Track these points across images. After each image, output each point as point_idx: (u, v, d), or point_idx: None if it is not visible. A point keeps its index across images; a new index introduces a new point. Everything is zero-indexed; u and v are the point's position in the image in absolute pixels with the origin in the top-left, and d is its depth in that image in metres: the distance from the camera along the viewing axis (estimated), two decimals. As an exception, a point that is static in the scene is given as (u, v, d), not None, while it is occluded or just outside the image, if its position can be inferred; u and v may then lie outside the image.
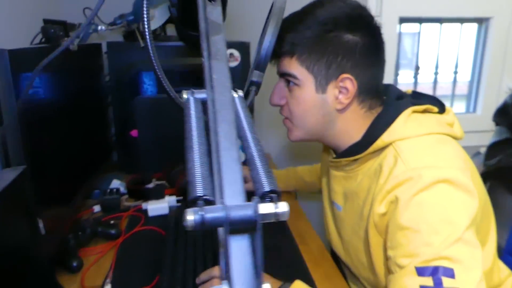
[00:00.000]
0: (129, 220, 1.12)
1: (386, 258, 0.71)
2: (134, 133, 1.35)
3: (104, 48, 1.37)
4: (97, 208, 1.19)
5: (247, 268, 0.17)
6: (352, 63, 0.76)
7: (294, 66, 0.78)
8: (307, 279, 0.85)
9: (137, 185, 1.28)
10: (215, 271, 0.78)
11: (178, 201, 1.19)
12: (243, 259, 0.18)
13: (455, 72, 2.05)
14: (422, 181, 0.65)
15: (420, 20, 1.94)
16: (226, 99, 0.22)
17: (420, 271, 0.61)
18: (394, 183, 0.69)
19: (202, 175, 0.21)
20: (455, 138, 0.78)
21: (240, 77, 1.46)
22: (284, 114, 0.87)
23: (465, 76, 2.08)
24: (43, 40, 0.86)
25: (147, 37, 0.41)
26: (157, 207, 1.14)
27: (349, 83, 0.76)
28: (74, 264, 0.90)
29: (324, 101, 0.79)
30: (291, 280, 0.75)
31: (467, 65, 2.06)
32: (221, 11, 0.28)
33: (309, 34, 0.76)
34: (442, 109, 0.82)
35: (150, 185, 1.29)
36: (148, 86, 1.38)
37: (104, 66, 1.41)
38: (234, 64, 1.42)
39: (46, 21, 0.86)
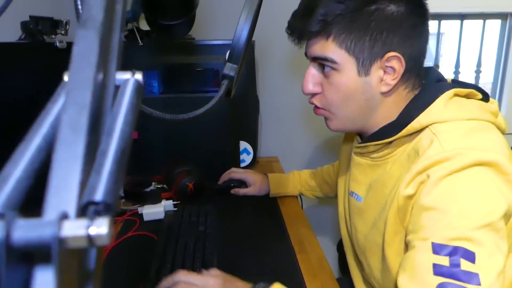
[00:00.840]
0: (124, 224, 1.09)
1: (405, 246, 0.64)
2: (134, 134, 1.32)
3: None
4: (92, 211, 1.16)
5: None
6: (398, 38, 0.66)
7: (331, 48, 0.69)
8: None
9: (136, 187, 1.25)
10: (180, 276, 0.71)
11: (175, 205, 1.15)
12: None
13: (477, 72, 1.94)
14: (460, 161, 0.58)
15: (439, 17, 1.84)
16: (84, 77, 0.17)
17: (437, 249, 0.54)
18: (427, 163, 0.61)
19: (15, 178, 0.16)
20: (499, 128, 0.70)
21: (245, 77, 1.41)
22: (319, 104, 0.77)
23: (488, 76, 1.97)
24: (23, 36, 0.83)
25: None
26: (152, 211, 1.10)
27: (396, 62, 0.67)
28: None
29: (367, 85, 0.70)
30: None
31: (490, 64, 1.95)
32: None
33: (346, 8, 0.66)
34: (486, 98, 0.73)
35: (149, 188, 1.25)
36: (149, 85, 1.35)
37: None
38: (238, 63, 1.37)
39: (31, 18, 0.83)
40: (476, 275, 0.51)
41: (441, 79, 0.76)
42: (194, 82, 1.39)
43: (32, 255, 0.12)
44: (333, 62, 0.69)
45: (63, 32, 0.90)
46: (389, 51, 0.67)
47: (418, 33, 0.69)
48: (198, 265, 0.84)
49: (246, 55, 0.55)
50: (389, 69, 0.68)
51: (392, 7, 0.66)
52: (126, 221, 1.10)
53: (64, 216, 0.13)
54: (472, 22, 1.86)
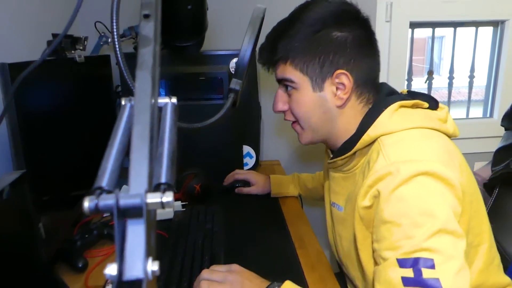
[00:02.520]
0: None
1: (373, 251, 0.72)
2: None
3: (113, 59, 1.44)
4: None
5: (140, 249, 0.20)
6: (344, 58, 0.78)
7: (289, 71, 0.81)
8: (301, 281, 0.87)
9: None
10: (203, 274, 0.79)
11: (183, 206, 1.23)
12: (136, 240, 0.20)
13: (471, 77, 2.02)
14: (400, 176, 0.66)
15: (432, 25, 1.92)
16: (144, 104, 0.25)
17: (402, 263, 0.62)
18: (375, 177, 0.69)
19: (109, 169, 0.24)
20: (446, 134, 0.78)
21: (248, 84, 1.50)
22: (289, 119, 0.89)
23: (481, 81, 2.05)
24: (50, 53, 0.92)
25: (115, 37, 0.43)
26: (162, 211, 1.18)
27: (344, 78, 0.78)
28: (80, 264, 0.95)
29: (323, 99, 0.81)
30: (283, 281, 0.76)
31: (483, 70, 2.03)
32: (157, 26, 0.31)
33: (299, 37, 0.78)
34: (435, 105, 0.82)
35: (158, 190, 1.33)
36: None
37: (115, 76, 1.47)
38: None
39: (54, 35, 0.92)
40: (437, 280, 0.58)
41: (392, 92, 0.85)
42: (200, 90, 1.48)
43: (126, 215, 0.21)
44: (292, 82, 0.81)
45: (81, 47, 0.99)
46: (337, 69, 0.78)
47: (364, 54, 0.80)
48: (206, 260, 0.92)
49: (249, 70, 0.64)
50: (340, 85, 0.79)
51: (337, 33, 0.78)
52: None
53: (147, 191, 0.22)
54: (465, 30, 1.94)
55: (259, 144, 1.62)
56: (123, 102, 0.29)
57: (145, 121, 0.24)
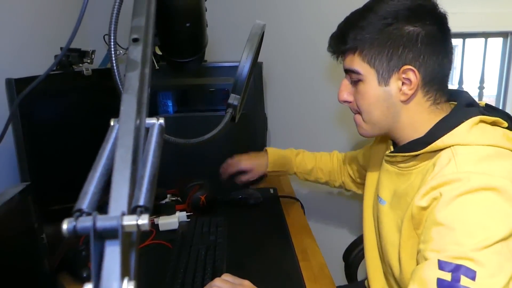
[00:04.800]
0: (141, 234, 1.18)
1: (417, 253, 0.71)
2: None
3: (123, 72, 1.46)
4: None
5: (115, 269, 0.21)
6: (413, 54, 0.76)
7: (356, 62, 0.80)
8: (302, 295, 0.87)
9: (152, 200, 1.34)
10: (217, 282, 0.81)
11: (188, 216, 1.24)
12: (112, 261, 0.21)
13: (480, 88, 2.00)
14: (469, 184, 0.65)
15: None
16: (128, 127, 0.26)
17: (442, 265, 0.61)
18: (442, 181, 0.68)
19: (91, 192, 0.25)
20: None
21: (254, 96, 1.51)
22: (353, 110, 0.88)
23: (491, 91, 2.03)
24: (57, 67, 0.95)
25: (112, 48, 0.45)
26: (167, 222, 1.19)
27: (411, 74, 0.76)
28: (84, 274, 0.96)
29: (387, 94, 0.79)
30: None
31: (493, 80, 2.01)
32: (146, 49, 0.32)
33: (370, 29, 0.77)
34: None
35: (164, 201, 1.34)
36: (164, 105, 1.45)
37: (123, 87, 1.50)
38: (247, 83, 1.47)
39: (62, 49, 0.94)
40: None
41: (471, 103, 0.82)
42: (206, 102, 1.49)
43: (103, 236, 0.22)
44: (358, 73, 0.80)
45: (89, 61, 1.01)
46: (405, 65, 0.76)
47: (435, 51, 0.77)
48: (208, 271, 0.93)
49: (248, 85, 0.65)
50: (406, 81, 0.77)
51: (409, 27, 0.76)
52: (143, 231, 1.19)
53: (123, 214, 0.23)
54: (475, 40, 1.94)
55: (265, 155, 1.62)
56: (112, 123, 0.30)
57: (128, 145, 0.25)
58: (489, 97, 2.06)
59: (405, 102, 0.79)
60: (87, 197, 0.25)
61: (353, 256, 1.38)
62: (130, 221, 0.23)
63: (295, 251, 1.05)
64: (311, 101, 1.78)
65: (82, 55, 0.99)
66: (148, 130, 0.30)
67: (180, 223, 1.20)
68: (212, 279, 0.87)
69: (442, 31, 0.79)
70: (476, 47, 1.99)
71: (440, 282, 0.60)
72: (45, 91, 0.76)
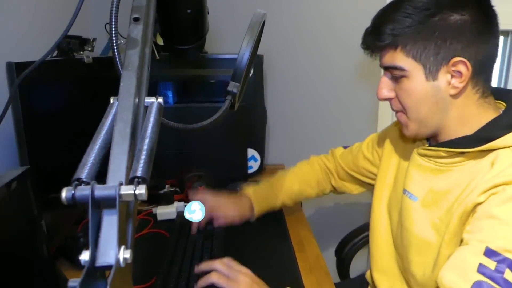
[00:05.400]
0: (139, 223, 1.18)
1: (460, 241, 0.69)
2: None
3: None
4: (111, 211, 1.26)
5: (112, 238, 0.22)
6: (463, 44, 0.71)
7: (399, 58, 0.75)
8: (298, 284, 0.87)
9: (151, 189, 1.35)
10: (217, 264, 0.81)
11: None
12: (109, 229, 0.22)
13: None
14: None
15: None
16: (127, 103, 0.27)
17: (489, 253, 0.60)
18: (508, 179, 0.66)
19: (90, 163, 0.26)
20: None
21: (254, 89, 1.51)
22: (395, 108, 0.83)
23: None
24: (58, 53, 0.95)
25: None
26: (165, 211, 1.20)
27: (462, 66, 0.71)
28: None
29: (436, 88, 0.75)
30: (281, 284, 0.77)
31: (494, 78, 2.02)
32: (147, 29, 0.32)
33: (410, 22, 0.72)
34: None
35: (163, 191, 1.35)
36: (164, 95, 1.45)
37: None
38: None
39: (64, 37, 0.94)
40: None
41: None
42: (206, 93, 1.50)
43: (101, 205, 0.23)
44: (402, 69, 0.75)
45: (90, 49, 1.01)
46: (454, 57, 0.71)
47: (484, 39, 0.72)
48: (205, 260, 0.93)
49: (248, 73, 0.65)
50: (456, 73, 0.72)
51: (456, 16, 0.70)
52: (141, 220, 1.20)
53: (121, 183, 0.23)
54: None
55: (264, 148, 1.63)
56: (111, 101, 0.31)
57: (127, 119, 0.26)
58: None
59: (455, 96, 0.75)
60: (86, 168, 0.26)
61: (346, 251, 1.37)
62: (127, 190, 0.23)
63: (291, 242, 1.06)
64: (311, 95, 1.78)
65: (83, 42, 0.99)
66: (147, 109, 0.31)
67: (178, 213, 1.21)
68: (209, 267, 0.89)
69: (488, 15, 0.73)
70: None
71: (481, 267, 0.59)
72: (45, 76, 0.76)
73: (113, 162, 0.25)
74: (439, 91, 0.74)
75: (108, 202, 0.23)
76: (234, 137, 1.41)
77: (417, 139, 0.86)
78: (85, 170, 0.25)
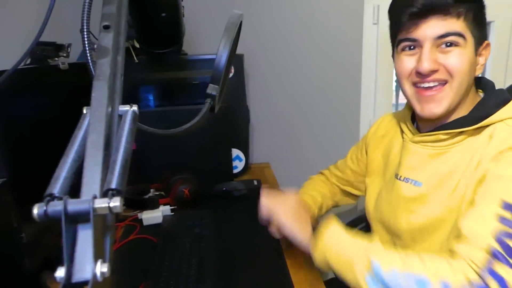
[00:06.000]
0: (125, 229, 1.17)
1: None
2: (133, 145, 1.41)
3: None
4: (96, 218, 1.24)
5: (88, 252, 0.21)
6: (486, 28, 0.80)
7: (461, 27, 0.77)
8: (286, 282, 0.88)
9: (136, 195, 1.33)
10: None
11: (172, 210, 1.23)
12: (85, 244, 0.21)
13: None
14: None
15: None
16: (100, 113, 0.26)
17: (507, 206, 0.64)
18: (511, 145, 0.72)
19: (63, 177, 0.25)
20: None
21: (236, 89, 1.51)
22: (440, 78, 0.81)
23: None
24: (32, 61, 0.93)
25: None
26: (151, 216, 1.19)
27: (488, 49, 0.80)
28: (68, 271, 0.95)
29: (475, 65, 0.80)
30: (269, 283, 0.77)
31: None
32: (117, 37, 0.32)
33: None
34: None
35: (148, 195, 1.34)
36: (145, 99, 1.44)
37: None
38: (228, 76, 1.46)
39: (37, 43, 0.92)
40: None
41: (493, 86, 0.87)
42: (187, 95, 1.48)
43: (76, 220, 0.22)
44: (463, 38, 0.77)
45: (65, 55, 1.00)
46: (486, 39, 0.80)
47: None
48: (194, 263, 0.93)
49: (228, 74, 0.65)
50: (484, 54, 0.81)
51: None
52: (127, 226, 1.18)
53: (95, 197, 0.23)
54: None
55: (248, 147, 1.63)
56: (84, 111, 0.30)
57: (100, 130, 0.25)
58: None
59: (475, 77, 0.81)
60: (58, 182, 0.25)
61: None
62: (101, 203, 0.23)
63: (279, 239, 1.06)
64: (293, 92, 1.78)
65: (58, 48, 0.97)
66: (121, 117, 0.30)
67: (164, 217, 1.20)
68: (198, 271, 0.88)
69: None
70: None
71: (501, 219, 0.63)
72: (19, 85, 0.74)
73: (87, 174, 0.24)
74: (475, 68, 0.80)
75: (82, 217, 0.22)
76: (217, 137, 1.40)
77: (436, 117, 0.85)
78: (57, 184, 0.25)
